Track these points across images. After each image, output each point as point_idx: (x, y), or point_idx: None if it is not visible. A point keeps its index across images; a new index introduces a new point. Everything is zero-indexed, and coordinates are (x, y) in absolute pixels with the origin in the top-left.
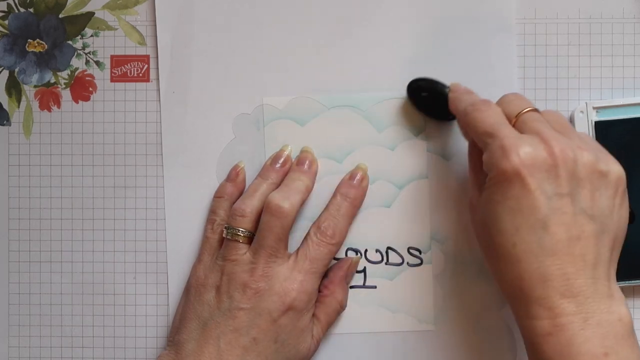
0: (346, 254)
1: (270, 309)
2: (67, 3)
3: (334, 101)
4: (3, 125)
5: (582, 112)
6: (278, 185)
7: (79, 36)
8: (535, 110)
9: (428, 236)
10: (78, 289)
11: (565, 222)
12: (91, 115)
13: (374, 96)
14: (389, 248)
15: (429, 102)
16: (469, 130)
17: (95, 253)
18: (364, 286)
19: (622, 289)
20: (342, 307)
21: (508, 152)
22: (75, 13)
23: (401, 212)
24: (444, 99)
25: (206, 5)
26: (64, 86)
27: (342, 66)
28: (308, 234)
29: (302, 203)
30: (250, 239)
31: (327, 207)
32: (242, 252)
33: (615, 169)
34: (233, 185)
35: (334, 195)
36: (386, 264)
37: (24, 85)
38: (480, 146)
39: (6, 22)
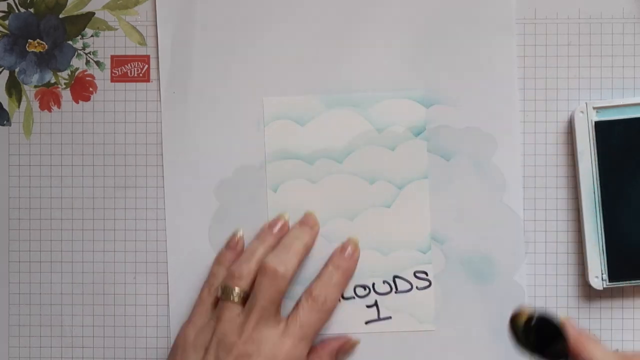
0: (354, 291)
1: None
2: (68, 3)
3: (334, 101)
4: (3, 125)
5: (582, 112)
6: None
7: (79, 36)
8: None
9: (428, 236)
10: (78, 289)
11: None
12: (91, 116)
13: (374, 96)
14: (395, 277)
15: (536, 338)
16: None
17: (95, 253)
18: (379, 319)
19: (622, 289)
20: None
21: None
22: (75, 13)
23: (401, 212)
24: (551, 333)
25: (206, 5)
26: (64, 86)
27: (342, 66)
28: (299, 300)
29: (300, 264)
30: (246, 299)
31: (319, 276)
32: (236, 312)
33: None
34: (233, 253)
35: (326, 265)
36: (395, 292)
37: (24, 85)
38: None
39: (6, 22)
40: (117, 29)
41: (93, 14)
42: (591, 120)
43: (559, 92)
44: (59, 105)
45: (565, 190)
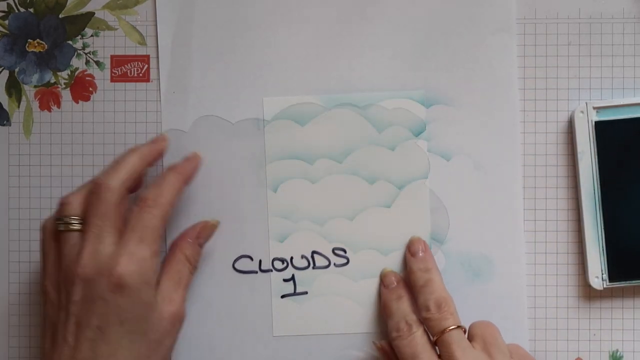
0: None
1: (100, 292)
2: (67, 3)
3: (334, 101)
4: (3, 125)
5: (582, 112)
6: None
7: (79, 36)
8: (459, 327)
9: (428, 236)
10: None
11: None
12: (91, 115)
13: (374, 96)
14: (314, 252)
15: None
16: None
17: None
18: (295, 294)
19: (622, 289)
20: (191, 262)
21: None
22: (75, 13)
23: (401, 212)
24: None
25: (206, 5)
26: (64, 86)
27: (341, 66)
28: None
29: (134, 176)
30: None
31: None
32: (73, 241)
33: None
34: None
35: (164, 171)
36: (313, 268)
37: (24, 85)
38: None
39: (6, 22)
40: (117, 29)
41: (93, 13)
42: (591, 120)
43: (559, 92)
44: (58, 105)
45: (565, 190)
